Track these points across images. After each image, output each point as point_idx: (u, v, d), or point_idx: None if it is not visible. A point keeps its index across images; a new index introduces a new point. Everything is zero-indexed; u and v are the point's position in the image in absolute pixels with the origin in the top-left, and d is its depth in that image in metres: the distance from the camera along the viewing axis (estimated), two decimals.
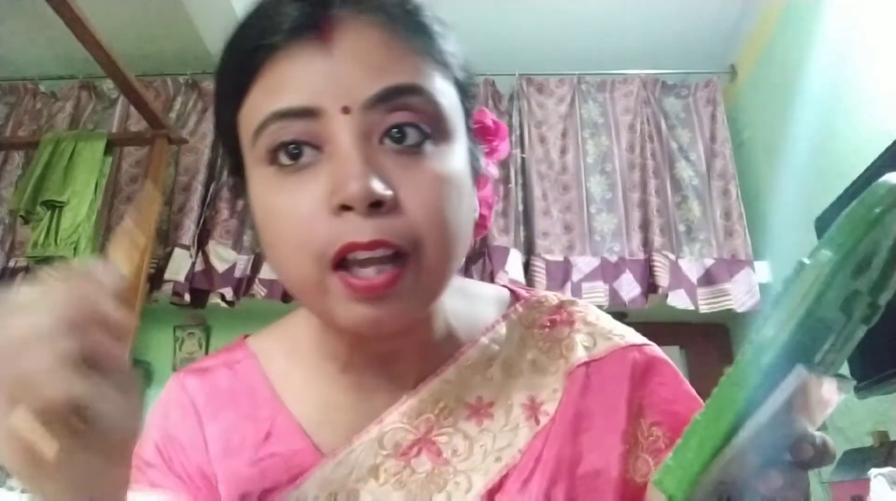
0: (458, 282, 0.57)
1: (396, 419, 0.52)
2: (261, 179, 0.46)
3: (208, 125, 2.75)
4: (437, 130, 0.45)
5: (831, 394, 0.35)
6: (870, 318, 0.34)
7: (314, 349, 0.54)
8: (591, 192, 2.65)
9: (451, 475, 0.50)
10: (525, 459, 0.51)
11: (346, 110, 0.43)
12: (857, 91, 1.92)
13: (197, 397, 0.55)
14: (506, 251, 2.45)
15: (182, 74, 2.88)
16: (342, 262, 0.42)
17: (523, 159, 2.66)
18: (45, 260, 2.19)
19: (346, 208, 0.42)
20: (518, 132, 2.70)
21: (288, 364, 0.56)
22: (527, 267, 2.51)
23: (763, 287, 2.42)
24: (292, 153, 0.44)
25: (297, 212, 0.43)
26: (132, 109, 2.56)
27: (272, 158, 0.44)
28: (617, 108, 2.81)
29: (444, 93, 0.47)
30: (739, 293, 2.40)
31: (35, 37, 2.85)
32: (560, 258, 2.54)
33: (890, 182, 0.31)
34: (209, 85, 2.84)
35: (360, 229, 0.41)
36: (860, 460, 1.64)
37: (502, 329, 0.57)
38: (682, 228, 2.57)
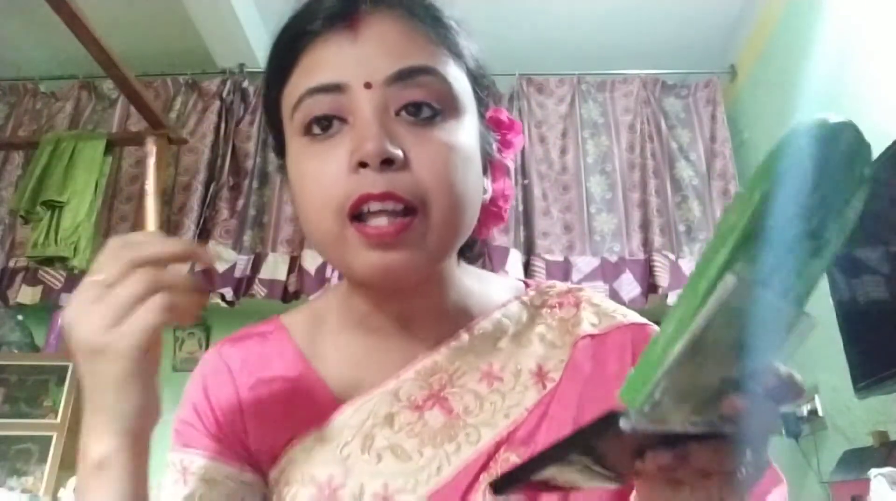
0: (474, 269, 0.64)
1: (412, 375, 0.57)
2: (297, 148, 0.53)
3: (208, 125, 2.75)
4: (447, 107, 0.52)
5: (796, 327, 0.36)
6: (820, 251, 0.35)
7: (338, 316, 0.61)
8: (591, 192, 2.65)
9: (461, 428, 0.54)
10: (532, 416, 0.55)
11: (367, 86, 0.50)
12: (857, 91, 1.92)
13: (232, 361, 0.60)
14: (506, 251, 2.45)
15: (182, 73, 2.88)
16: (358, 214, 0.48)
17: (523, 159, 2.66)
18: (46, 260, 2.19)
19: (362, 164, 0.48)
20: None
21: (314, 332, 0.61)
22: (527, 267, 2.51)
23: None
24: (323, 125, 0.51)
25: (323, 173, 0.50)
26: (132, 109, 2.56)
27: (306, 129, 0.51)
28: (617, 108, 2.81)
29: (456, 77, 0.53)
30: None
31: (35, 37, 2.85)
32: (560, 258, 2.54)
33: (822, 118, 0.34)
34: (209, 85, 2.85)
35: (373, 182, 0.48)
36: (860, 460, 1.64)
37: (514, 307, 0.62)
38: (682, 228, 2.57)
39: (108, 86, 2.83)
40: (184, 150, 2.70)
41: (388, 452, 0.54)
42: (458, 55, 0.55)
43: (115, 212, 2.68)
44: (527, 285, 0.66)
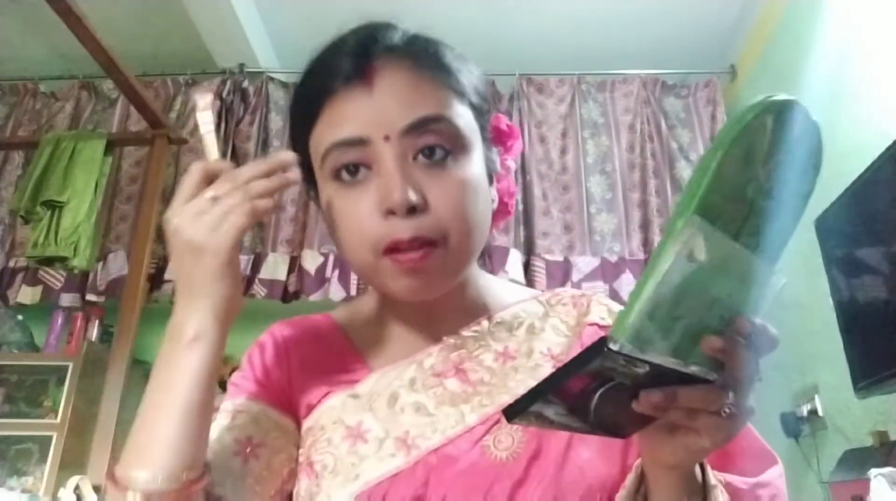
0: (492, 276, 0.75)
1: (435, 351, 0.66)
2: (329, 191, 0.61)
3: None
4: (456, 146, 0.60)
5: (766, 282, 0.42)
6: (780, 212, 0.41)
7: (375, 308, 0.71)
8: (591, 192, 2.65)
9: (476, 394, 0.62)
10: None
11: (386, 138, 0.58)
12: (857, 91, 1.92)
13: (284, 331, 0.71)
14: (506, 251, 2.45)
15: (182, 74, 2.88)
16: (390, 250, 0.58)
17: (523, 159, 2.66)
18: (46, 260, 2.19)
19: (391, 212, 0.57)
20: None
21: (355, 319, 0.72)
22: (527, 267, 2.51)
23: None
24: (351, 171, 0.59)
25: (356, 215, 0.59)
26: (132, 109, 2.57)
27: (336, 175, 0.60)
28: (617, 108, 2.81)
29: (462, 115, 0.61)
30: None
31: (35, 37, 2.85)
32: (560, 258, 2.54)
33: (770, 97, 0.39)
34: (209, 85, 2.84)
35: (402, 228, 0.57)
36: (860, 460, 1.64)
37: (531, 304, 0.71)
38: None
39: (108, 86, 2.84)
40: (184, 150, 2.71)
41: (410, 407, 0.62)
42: (461, 94, 0.62)
43: (115, 212, 2.68)
44: (543, 292, 0.75)
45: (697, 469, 0.51)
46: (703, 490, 0.51)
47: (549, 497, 0.56)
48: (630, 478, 0.53)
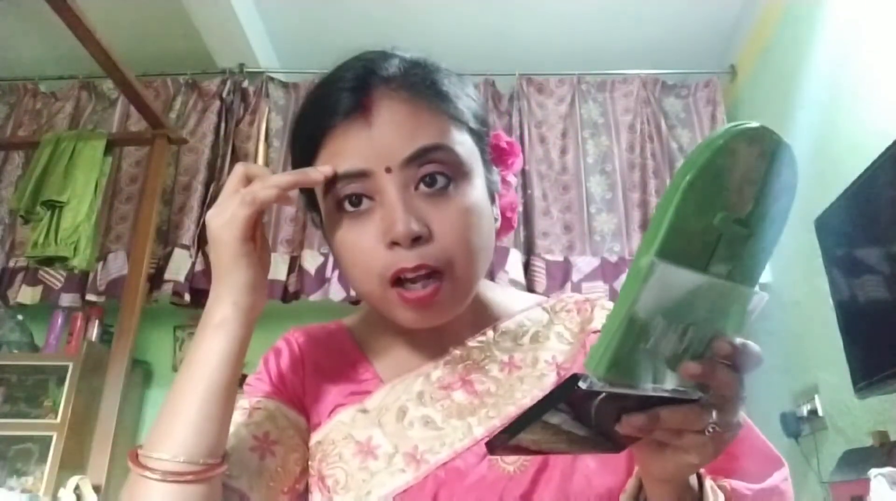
0: (497, 285, 0.77)
1: (443, 363, 0.67)
2: (333, 221, 0.62)
3: (208, 125, 2.75)
4: (457, 173, 0.60)
5: (747, 303, 0.43)
6: (752, 237, 0.41)
7: (383, 320, 0.69)
8: (591, 192, 2.65)
9: (483, 406, 0.63)
10: None
11: (388, 170, 0.58)
12: (857, 91, 1.92)
13: (300, 339, 0.73)
14: (506, 251, 2.45)
15: (182, 73, 2.88)
16: (397, 281, 0.58)
17: (523, 159, 2.66)
18: (46, 260, 2.19)
19: (395, 243, 0.57)
20: (518, 132, 2.70)
21: (368, 330, 0.73)
22: (527, 267, 2.51)
23: (763, 287, 2.42)
24: (354, 202, 0.60)
25: (361, 245, 0.59)
26: (132, 109, 2.57)
27: (339, 207, 0.61)
28: (617, 108, 2.81)
29: (462, 142, 0.61)
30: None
31: (35, 37, 2.85)
32: (560, 258, 2.54)
33: (741, 125, 0.40)
34: (209, 85, 2.85)
35: (406, 257, 0.57)
36: (860, 460, 1.64)
37: (535, 312, 0.72)
38: None
39: (108, 86, 2.84)
40: (184, 150, 2.71)
41: (419, 421, 0.63)
42: (460, 120, 0.62)
43: (115, 212, 2.68)
44: (548, 298, 0.76)
45: (694, 479, 0.51)
46: (700, 499, 0.51)
47: None
48: (631, 482, 0.54)
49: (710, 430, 0.42)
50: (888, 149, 1.54)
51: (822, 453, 1.99)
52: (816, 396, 2.05)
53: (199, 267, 2.52)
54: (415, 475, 0.60)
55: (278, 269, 2.53)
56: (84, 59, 2.06)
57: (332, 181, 0.60)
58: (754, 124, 0.40)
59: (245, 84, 2.84)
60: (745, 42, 2.74)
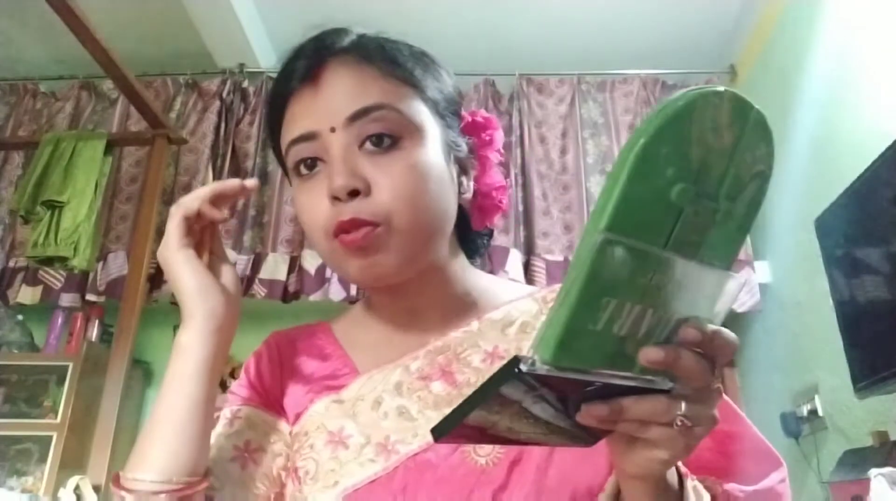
0: (487, 275, 0.74)
1: (422, 354, 0.66)
2: (294, 184, 0.65)
3: (208, 125, 2.75)
4: (403, 132, 0.61)
5: (718, 287, 0.39)
6: (712, 213, 0.37)
7: (365, 312, 0.73)
8: (591, 192, 2.65)
9: (459, 396, 0.60)
10: None
11: (332, 130, 0.61)
12: (857, 91, 1.92)
13: (280, 340, 0.74)
14: (506, 251, 2.45)
15: (182, 73, 2.88)
16: (340, 234, 0.60)
17: (523, 159, 2.66)
18: (46, 260, 2.19)
19: (335, 198, 0.59)
20: (518, 132, 2.70)
21: (349, 325, 0.74)
22: (527, 267, 2.51)
23: (763, 287, 2.43)
24: (308, 165, 0.63)
25: (311, 205, 0.62)
26: (132, 109, 2.56)
27: (297, 171, 0.64)
28: (617, 108, 2.81)
29: (411, 106, 0.63)
30: (740, 293, 2.40)
31: (35, 37, 2.85)
32: (560, 258, 2.54)
33: (698, 89, 0.36)
34: (209, 85, 2.85)
35: (342, 211, 0.59)
36: (860, 460, 1.64)
37: (525, 303, 0.70)
38: None
39: (108, 86, 2.83)
40: (184, 150, 2.70)
41: (393, 411, 0.63)
42: (414, 87, 0.64)
43: (115, 212, 2.68)
44: (540, 289, 0.74)
45: (674, 477, 0.49)
46: (681, 498, 0.49)
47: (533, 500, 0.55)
48: (610, 482, 0.52)
49: (679, 423, 0.40)
50: (888, 149, 1.54)
51: (822, 453, 1.99)
52: (816, 396, 2.05)
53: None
54: (384, 465, 0.59)
55: (278, 269, 2.53)
56: (84, 59, 2.06)
57: (288, 148, 0.63)
58: (719, 88, 0.36)
59: (245, 84, 2.84)
60: (745, 42, 2.74)
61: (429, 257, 0.64)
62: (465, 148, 0.69)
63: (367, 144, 0.60)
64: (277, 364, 0.70)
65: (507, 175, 2.56)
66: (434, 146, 0.63)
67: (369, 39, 0.66)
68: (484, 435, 0.42)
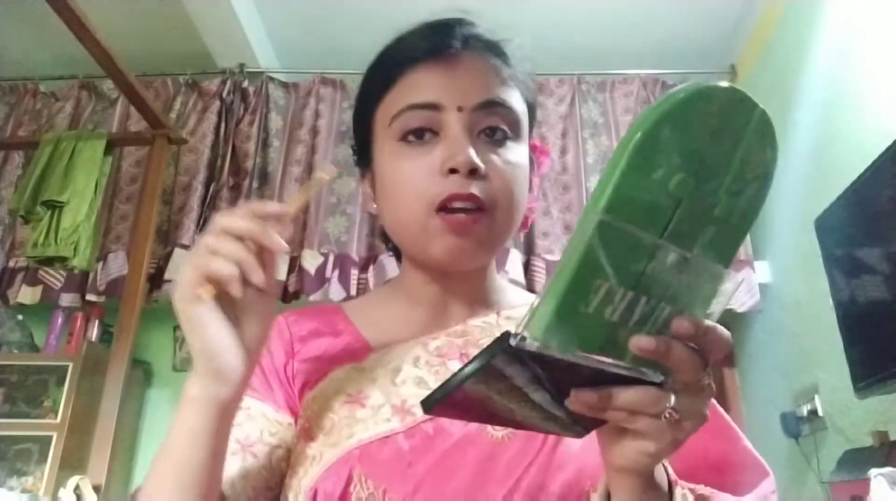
0: (509, 282, 0.79)
1: (443, 335, 0.68)
2: (391, 150, 0.65)
3: (208, 125, 2.75)
4: (514, 132, 0.66)
5: (716, 282, 0.39)
6: (712, 208, 0.37)
7: (391, 292, 0.74)
8: (591, 192, 2.65)
9: None
10: None
11: (460, 109, 0.63)
12: (857, 91, 1.92)
13: (290, 319, 0.73)
14: (506, 251, 2.45)
15: (182, 73, 2.88)
16: (443, 209, 0.61)
17: None
18: (46, 260, 2.19)
19: (453, 171, 0.61)
20: None
21: (363, 305, 0.76)
22: (527, 267, 2.51)
23: (763, 287, 2.42)
24: (418, 135, 0.64)
25: (416, 173, 0.63)
26: (132, 109, 2.56)
27: (402, 136, 0.64)
28: (617, 108, 2.81)
29: (520, 109, 0.68)
30: (739, 293, 2.40)
31: (35, 37, 2.85)
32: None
33: (692, 83, 0.36)
34: (209, 85, 2.84)
35: (461, 185, 0.61)
36: (860, 460, 1.64)
37: None
38: None
39: (108, 86, 2.83)
40: (184, 150, 2.70)
41: (411, 380, 0.64)
42: (520, 89, 0.69)
43: (115, 212, 2.68)
44: None
45: (664, 480, 0.49)
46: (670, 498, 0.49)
47: (542, 475, 0.57)
48: (602, 482, 0.52)
49: (668, 415, 0.40)
50: (888, 149, 1.54)
51: (822, 453, 1.99)
52: (816, 396, 2.05)
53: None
54: (401, 423, 0.60)
55: (278, 269, 2.52)
56: (84, 59, 2.06)
57: (402, 111, 0.64)
58: (723, 83, 0.37)
59: (245, 84, 2.84)
60: (745, 42, 2.74)
61: (499, 251, 0.69)
62: (534, 164, 0.74)
63: (483, 135, 0.64)
64: (290, 344, 0.70)
65: None
66: (526, 152, 0.69)
67: (495, 35, 0.70)
68: (479, 412, 0.42)
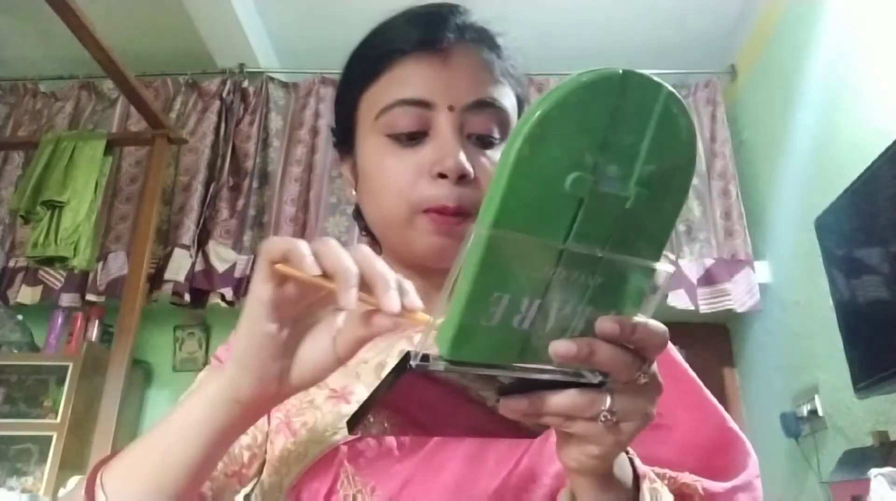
0: None
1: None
2: (376, 144, 0.62)
3: (208, 125, 2.75)
4: (502, 132, 0.63)
5: (644, 279, 0.37)
6: (621, 203, 0.35)
7: None
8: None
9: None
10: None
11: (451, 108, 0.60)
12: (857, 91, 1.92)
13: None
14: None
15: (182, 73, 2.88)
16: (431, 211, 0.59)
17: None
18: (46, 260, 2.19)
19: (442, 175, 0.58)
20: None
21: None
22: None
23: (763, 287, 2.42)
24: (406, 131, 0.60)
25: (403, 171, 0.60)
26: (132, 109, 2.57)
27: (388, 131, 0.61)
28: None
29: (512, 106, 0.64)
30: (739, 293, 2.40)
31: (35, 37, 2.85)
32: None
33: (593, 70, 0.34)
34: (209, 85, 2.85)
35: (449, 195, 0.58)
36: (860, 460, 1.64)
37: None
38: (682, 228, 2.57)
39: (108, 86, 2.84)
40: (184, 150, 2.71)
41: None
42: (512, 85, 0.65)
43: (115, 212, 2.68)
44: None
45: (627, 474, 0.47)
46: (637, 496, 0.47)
47: (533, 464, 0.55)
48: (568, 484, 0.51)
49: (604, 418, 0.38)
50: (888, 149, 1.54)
51: (822, 453, 1.99)
52: (816, 396, 2.05)
53: (199, 267, 2.52)
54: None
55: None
56: (84, 59, 2.06)
57: (390, 106, 0.60)
58: (616, 69, 0.34)
59: (245, 84, 2.84)
60: (745, 42, 2.74)
61: None
62: None
63: (473, 137, 0.61)
64: None
65: None
66: None
67: (487, 31, 0.66)
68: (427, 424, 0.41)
